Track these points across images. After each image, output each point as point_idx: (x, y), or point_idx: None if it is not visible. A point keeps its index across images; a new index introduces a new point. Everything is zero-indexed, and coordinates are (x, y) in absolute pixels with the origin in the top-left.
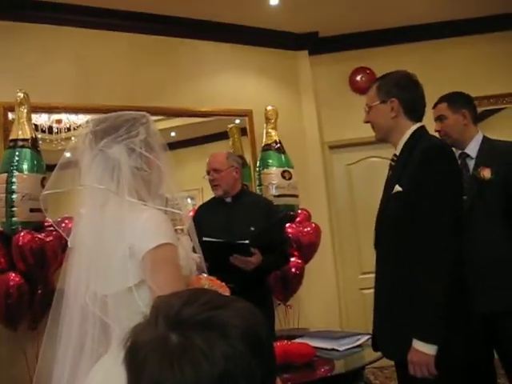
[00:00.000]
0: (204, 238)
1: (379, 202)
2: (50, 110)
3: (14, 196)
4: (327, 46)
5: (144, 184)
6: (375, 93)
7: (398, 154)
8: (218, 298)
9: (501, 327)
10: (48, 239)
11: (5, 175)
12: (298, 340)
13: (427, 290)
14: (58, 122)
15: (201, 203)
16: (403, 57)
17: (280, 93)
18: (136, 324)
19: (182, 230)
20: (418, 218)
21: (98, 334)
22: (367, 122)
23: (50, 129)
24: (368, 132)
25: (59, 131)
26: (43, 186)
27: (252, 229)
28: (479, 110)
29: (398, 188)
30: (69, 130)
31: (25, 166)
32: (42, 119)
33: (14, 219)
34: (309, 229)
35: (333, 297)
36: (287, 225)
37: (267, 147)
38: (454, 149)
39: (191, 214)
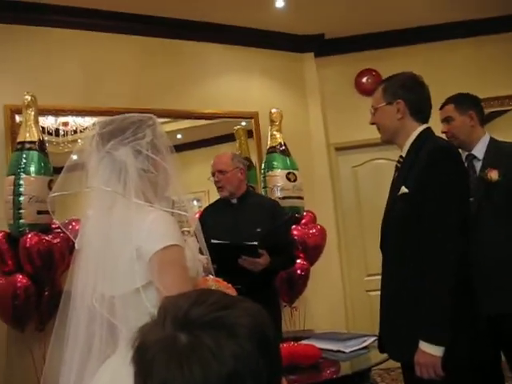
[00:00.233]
0: (212, 241)
1: (385, 203)
2: (56, 112)
3: (22, 198)
4: (333, 48)
5: (151, 186)
6: (381, 94)
7: (404, 155)
8: (226, 299)
9: (507, 329)
10: (55, 241)
11: (12, 177)
12: (304, 341)
13: (433, 291)
14: (65, 124)
15: (207, 205)
16: (409, 58)
17: (286, 95)
18: (144, 324)
19: (188, 231)
20: (423, 220)
21: (105, 335)
22: (373, 123)
23: (57, 131)
24: (374, 134)
25: (66, 134)
26: (50, 188)
27: (258, 230)
28: (486, 111)
29: (404, 189)
30: (75, 132)
31: (32, 169)
32: (48, 122)
33: (21, 221)
34: (314, 231)
35: (339, 299)
36: (293, 227)
37: (272, 149)
38: (460, 150)
39: (197, 215)
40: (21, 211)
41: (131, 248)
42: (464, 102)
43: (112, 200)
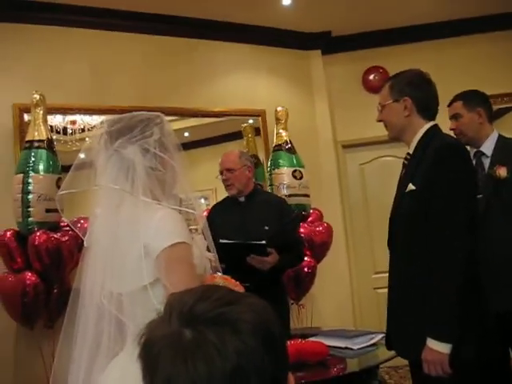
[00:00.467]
0: (221, 240)
1: (392, 200)
2: (64, 111)
3: (30, 196)
4: (340, 46)
5: (158, 184)
6: (388, 92)
7: (411, 152)
8: (231, 294)
9: None
10: (64, 239)
11: (21, 176)
12: (311, 339)
13: (441, 288)
14: (73, 123)
15: (214, 203)
16: (416, 55)
17: (293, 92)
18: (150, 321)
19: (195, 229)
20: (431, 217)
21: (113, 332)
22: (380, 120)
23: (65, 130)
24: (381, 131)
25: (74, 132)
26: (59, 186)
27: (266, 228)
28: (494, 108)
29: (411, 186)
30: (83, 130)
31: (41, 167)
32: (56, 120)
33: (30, 219)
34: (321, 228)
35: (346, 296)
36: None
37: (278, 147)
38: (469, 147)
39: (205, 213)
40: (29, 209)
41: (139, 245)
42: (472, 98)
43: (120, 198)
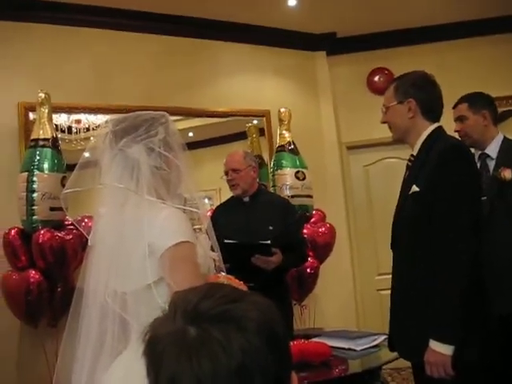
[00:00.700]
0: (225, 240)
1: (396, 202)
2: (69, 110)
3: (35, 195)
4: (345, 47)
5: (163, 183)
6: (392, 93)
7: (415, 154)
8: (235, 292)
9: None
10: (68, 237)
11: (26, 174)
12: (314, 339)
13: (445, 290)
14: (78, 122)
15: (218, 203)
16: (421, 57)
17: (298, 93)
18: (155, 318)
19: (199, 229)
20: (435, 220)
21: (117, 331)
22: (384, 122)
23: (70, 129)
24: (386, 133)
25: (78, 131)
26: (63, 185)
27: (270, 228)
28: (499, 110)
29: (415, 188)
30: (88, 130)
31: (45, 166)
32: (61, 119)
33: (34, 217)
34: (323, 229)
35: (349, 297)
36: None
37: (281, 148)
38: (474, 149)
39: (209, 213)
40: (34, 207)
41: (143, 244)
42: (477, 101)
43: (125, 197)
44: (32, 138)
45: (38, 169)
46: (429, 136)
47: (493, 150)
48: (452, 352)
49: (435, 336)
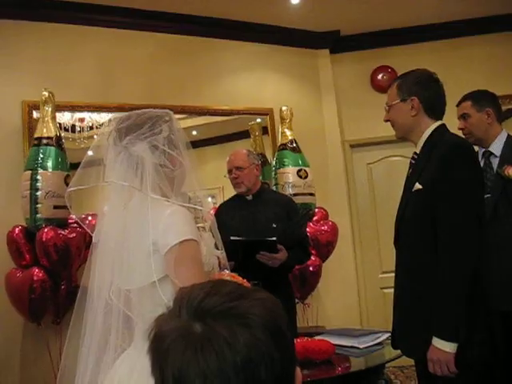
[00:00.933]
0: (232, 238)
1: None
2: (73, 108)
3: (38, 193)
4: (348, 45)
5: (167, 181)
6: (395, 91)
7: (418, 152)
8: (240, 289)
9: None
10: (71, 236)
11: (29, 172)
12: (318, 337)
13: (448, 288)
14: (81, 120)
15: (222, 202)
16: (425, 55)
17: (301, 91)
18: (160, 315)
19: (203, 227)
20: (438, 217)
21: (121, 328)
22: (387, 120)
23: (73, 127)
24: (389, 131)
25: (82, 130)
26: (67, 183)
27: (274, 225)
28: (503, 108)
29: (418, 186)
30: (91, 128)
31: (49, 164)
32: (65, 118)
33: (38, 216)
34: (326, 227)
35: (353, 296)
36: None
37: (283, 147)
38: (478, 147)
39: (212, 211)
40: (37, 206)
41: (148, 242)
42: (481, 98)
43: (129, 195)
44: (36, 136)
45: (41, 167)
46: (432, 134)
47: (497, 147)
48: (455, 349)
49: (438, 333)
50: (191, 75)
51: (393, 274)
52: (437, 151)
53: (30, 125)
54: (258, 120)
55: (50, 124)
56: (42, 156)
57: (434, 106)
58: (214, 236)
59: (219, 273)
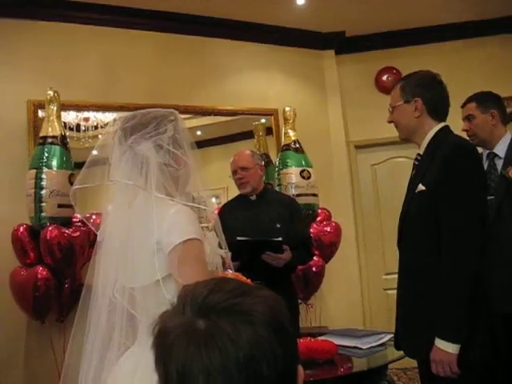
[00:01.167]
0: (238, 238)
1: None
2: (78, 108)
3: (43, 192)
4: (354, 46)
5: (172, 180)
6: (399, 93)
7: (421, 153)
8: (243, 286)
9: None
10: (75, 234)
11: (34, 171)
12: (321, 337)
13: (451, 289)
14: (86, 119)
15: (225, 202)
16: (429, 57)
17: (306, 92)
18: (164, 311)
19: (207, 227)
20: (441, 218)
21: (125, 326)
22: (391, 121)
23: (78, 127)
24: (394, 132)
25: (87, 129)
26: (71, 182)
27: (278, 226)
28: (508, 110)
29: (421, 187)
30: (96, 127)
31: (54, 163)
32: (70, 117)
33: (42, 214)
34: (329, 228)
35: (356, 297)
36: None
37: (286, 147)
38: (482, 148)
39: (216, 211)
40: (42, 204)
41: (152, 241)
42: (486, 100)
43: (133, 193)
44: (41, 135)
45: (46, 166)
46: (435, 135)
47: (501, 149)
48: (458, 351)
49: (441, 334)
50: (196, 75)
51: (396, 276)
52: (440, 152)
53: (35, 124)
54: (263, 120)
55: (55, 123)
56: (46, 155)
57: (438, 107)
58: (217, 236)
59: (223, 272)
